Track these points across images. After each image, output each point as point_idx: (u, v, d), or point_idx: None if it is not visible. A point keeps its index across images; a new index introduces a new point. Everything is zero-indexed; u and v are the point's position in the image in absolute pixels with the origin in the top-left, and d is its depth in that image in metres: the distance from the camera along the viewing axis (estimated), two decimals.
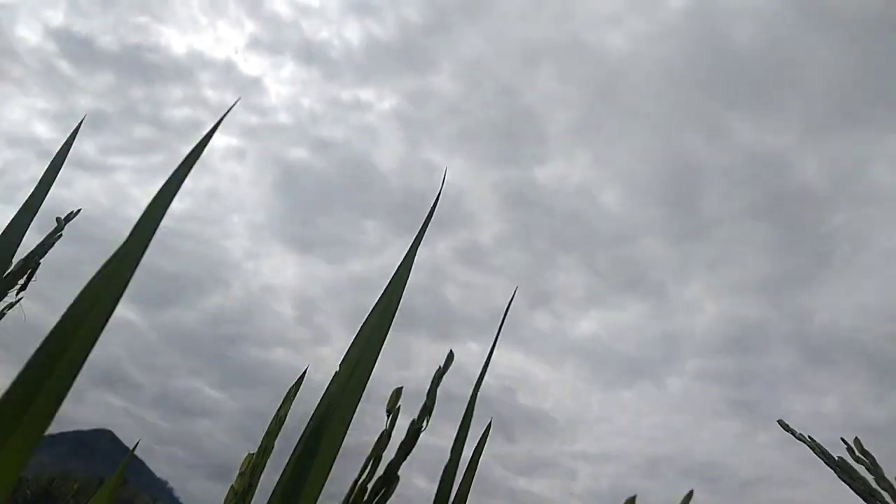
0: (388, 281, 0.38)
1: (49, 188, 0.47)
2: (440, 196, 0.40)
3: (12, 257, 0.46)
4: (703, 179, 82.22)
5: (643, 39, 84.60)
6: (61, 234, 0.50)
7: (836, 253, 75.78)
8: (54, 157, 0.48)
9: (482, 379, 0.40)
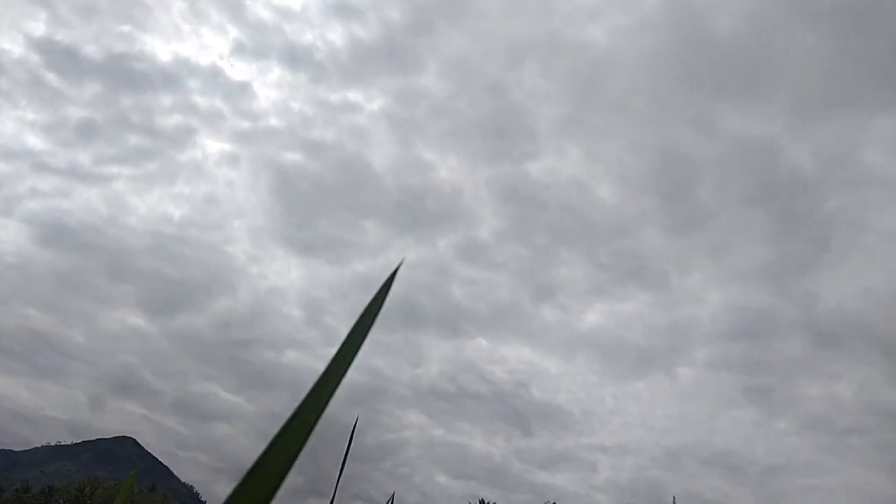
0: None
1: None
2: (392, 281, 0.42)
3: None
4: (695, 170, 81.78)
5: (624, 32, 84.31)
6: None
7: (834, 237, 75.20)
8: None
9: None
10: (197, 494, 78.46)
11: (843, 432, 63.75)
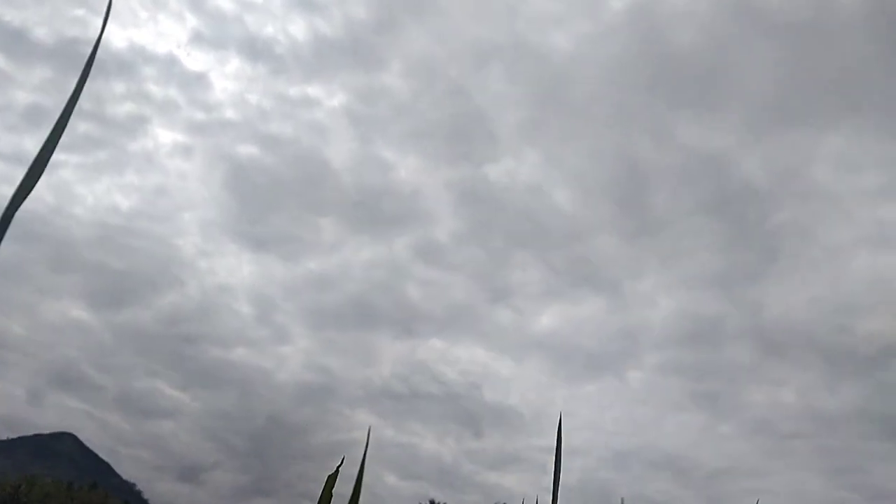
0: None
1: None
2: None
3: None
4: (651, 178, 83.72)
5: (586, 40, 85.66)
6: None
7: (782, 248, 77.87)
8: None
9: None
10: (139, 493, 76.70)
11: (786, 437, 65.95)
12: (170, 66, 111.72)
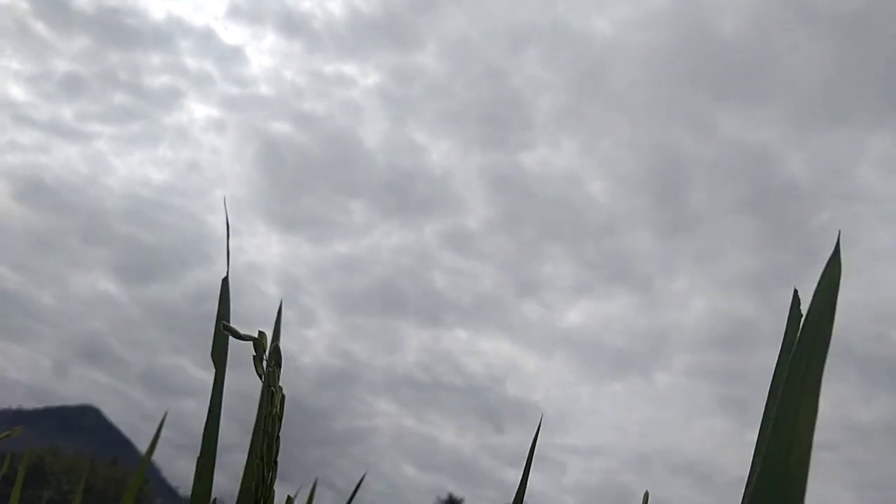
0: None
1: None
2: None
3: None
4: (689, 172, 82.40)
5: (629, 25, 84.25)
6: None
7: (822, 251, 75.46)
8: None
9: None
10: (158, 470, 77.59)
11: (815, 447, 64.12)
12: (206, 40, 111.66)
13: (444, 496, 31.28)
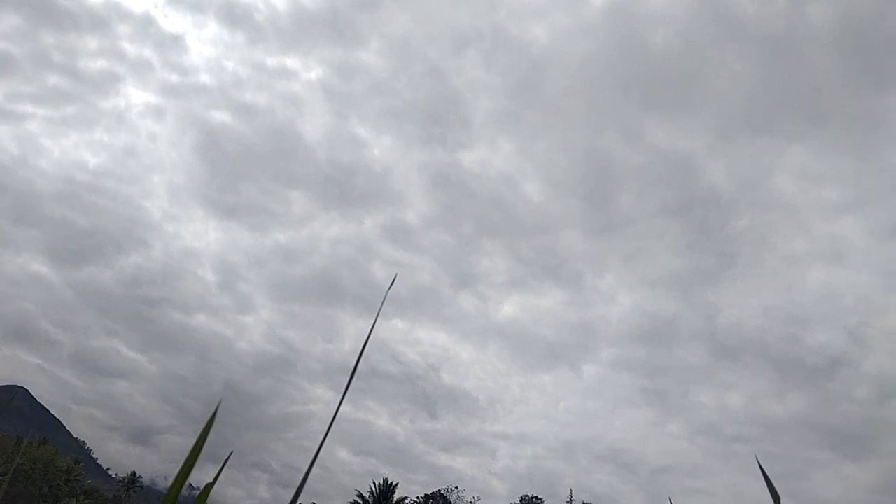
0: None
1: None
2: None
3: None
4: (618, 177, 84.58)
5: (565, 34, 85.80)
6: None
7: (740, 254, 79.79)
8: None
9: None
10: (89, 451, 76.22)
11: (730, 440, 68.04)
12: (146, 26, 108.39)
13: (380, 480, 32.05)
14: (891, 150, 73.30)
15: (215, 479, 0.63)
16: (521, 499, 36.81)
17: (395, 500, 31.52)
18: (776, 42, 73.20)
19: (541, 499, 36.77)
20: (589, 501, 37.37)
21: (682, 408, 69.59)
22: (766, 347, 71.95)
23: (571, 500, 36.63)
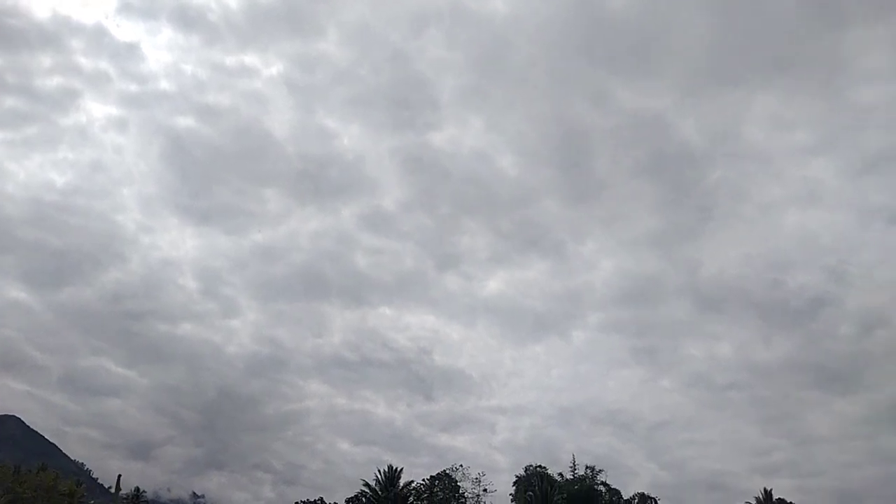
0: None
1: None
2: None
3: None
4: (590, 142, 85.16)
5: (524, 3, 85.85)
6: None
7: (717, 207, 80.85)
8: None
9: None
10: (88, 471, 75.80)
11: (723, 388, 69.11)
12: (98, 37, 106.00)
13: (383, 467, 32.17)
14: (855, 89, 74.32)
15: None
16: (526, 469, 37.19)
17: (401, 485, 31.69)
18: None
19: (545, 467, 37.18)
20: (592, 465, 37.83)
21: (673, 363, 70.69)
22: (749, 295, 73.13)
23: (575, 466, 37.12)
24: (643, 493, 37.72)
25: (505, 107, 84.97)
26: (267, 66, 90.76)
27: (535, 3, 78.62)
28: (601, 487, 36.00)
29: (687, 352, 72.05)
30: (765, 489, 34.45)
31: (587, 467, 37.38)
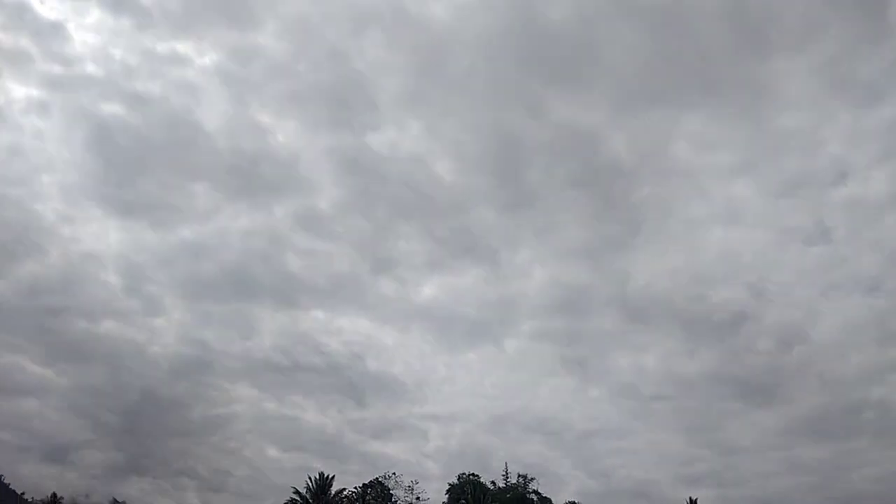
0: None
1: None
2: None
3: None
4: (526, 152, 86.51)
5: (464, 11, 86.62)
6: None
7: (645, 221, 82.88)
8: None
9: None
10: (0, 477, 72.17)
11: (649, 399, 70.31)
12: (20, 13, 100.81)
13: (313, 474, 31.67)
14: (776, 114, 77.74)
15: None
16: (458, 477, 37.22)
17: (333, 493, 31.22)
18: (665, 13, 76.24)
19: (477, 475, 37.29)
20: (524, 473, 38.16)
21: (602, 372, 71.68)
22: (674, 308, 75.09)
23: (507, 473, 37.39)
24: (573, 502, 38.27)
25: (443, 112, 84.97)
26: (200, 56, 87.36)
27: (475, 12, 79.14)
28: (533, 496, 36.35)
29: (615, 362, 73.37)
30: (690, 498, 35.41)
31: (519, 475, 37.69)
